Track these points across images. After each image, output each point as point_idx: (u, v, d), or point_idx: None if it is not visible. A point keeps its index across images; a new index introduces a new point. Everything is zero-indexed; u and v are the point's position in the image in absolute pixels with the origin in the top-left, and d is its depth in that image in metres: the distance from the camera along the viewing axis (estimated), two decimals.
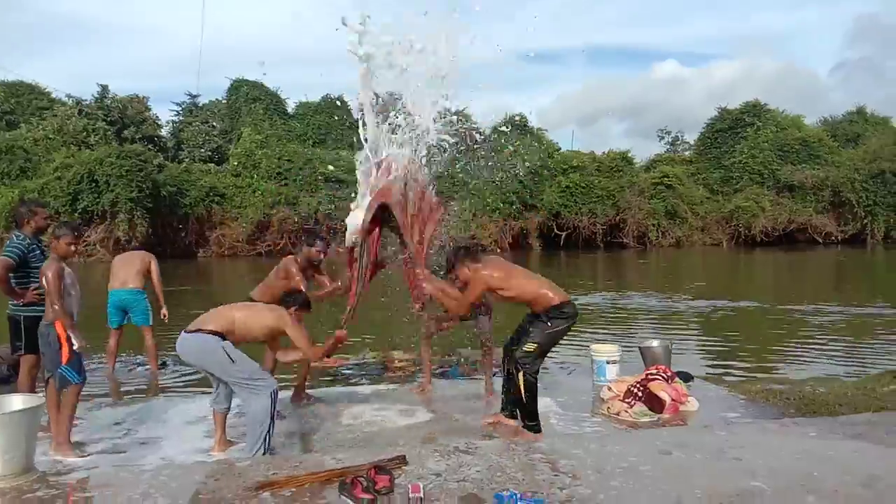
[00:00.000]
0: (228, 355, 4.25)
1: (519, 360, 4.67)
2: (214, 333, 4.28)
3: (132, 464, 4.18)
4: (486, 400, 5.72)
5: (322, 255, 5.75)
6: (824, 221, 35.55)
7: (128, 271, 7.45)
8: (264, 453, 4.21)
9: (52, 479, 3.74)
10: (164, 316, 7.47)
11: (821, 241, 35.25)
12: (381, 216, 5.23)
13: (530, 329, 4.72)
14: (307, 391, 5.88)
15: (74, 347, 4.38)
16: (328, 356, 4.84)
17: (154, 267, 7.61)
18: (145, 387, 6.90)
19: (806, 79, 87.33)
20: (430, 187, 5.58)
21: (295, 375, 5.94)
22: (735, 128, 39.01)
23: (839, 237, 35.52)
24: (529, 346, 4.64)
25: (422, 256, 5.31)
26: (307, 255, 5.68)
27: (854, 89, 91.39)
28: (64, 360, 4.37)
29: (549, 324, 4.66)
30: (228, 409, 4.54)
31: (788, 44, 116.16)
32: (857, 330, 9.88)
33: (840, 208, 35.70)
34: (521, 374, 4.63)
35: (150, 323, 7.39)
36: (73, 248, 4.66)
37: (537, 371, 4.74)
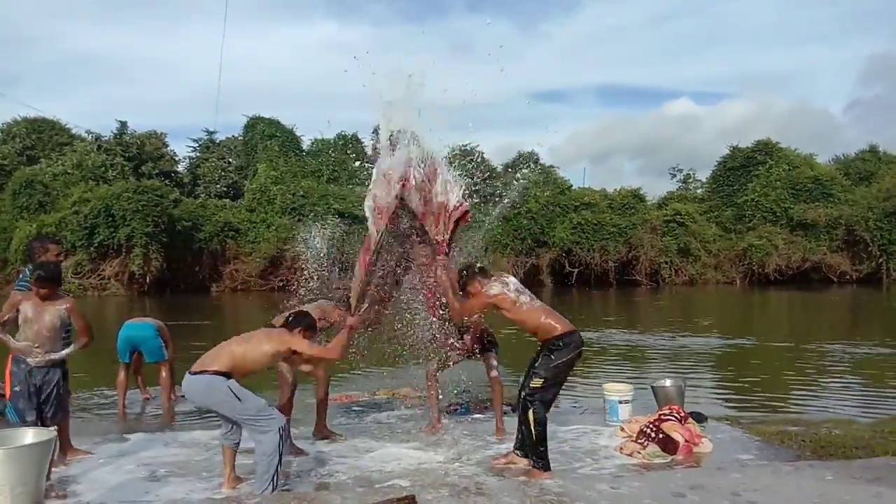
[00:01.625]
0: (235, 395, 4.24)
1: (527, 396, 4.65)
2: (218, 373, 4.29)
3: (141, 500, 4.16)
4: (498, 438, 5.67)
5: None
6: (839, 260, 35.25)
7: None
8: (273, 490, 4.18)
9: None
10: None
11: (835, 280, 34.92)
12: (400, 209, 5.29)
13: (536, 364, 4.72)
14: (327, 428, 5.85)
15: (15, 388, 4.44)
16: (345, 348, 4.77)
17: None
18: (155, 421, 6.89)
19: (819, 117, 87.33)
20: (458, 188, 5.58)
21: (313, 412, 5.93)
22: (747, 166, 39.03)
23: (854, 276, 35.17)
24: (536, 382, 4.63)
25: (444, 243, 5.31)
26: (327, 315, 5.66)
27: (867, 128, 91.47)
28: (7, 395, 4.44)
29: (553, 356, 4.64)
30: (238, 444, 4.52)
31: (801, 82, 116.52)
32: (873, 371, 9.74)
33: (854, 247, 35.41)
34: (529, 411, 4.60)
35: (165, 357, 7.40)
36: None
37: (548, 407, 4.70)
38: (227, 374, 4.27)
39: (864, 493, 3.92)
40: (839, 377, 9.26)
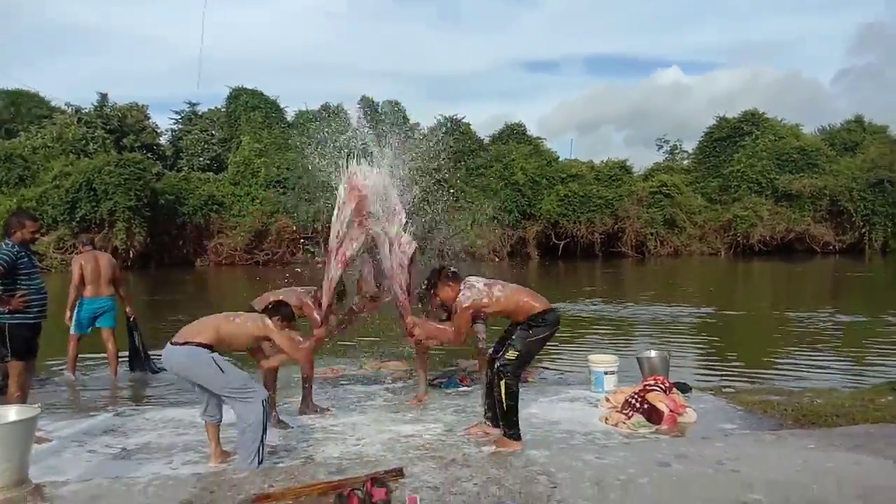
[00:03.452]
0: (219, 366, 4.22)
1: (500, 367, 4.69)
2: (202, 346, 4.26)
3: (126, 476, 4.15)
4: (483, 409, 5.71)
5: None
6: (822, 231, 35.57)
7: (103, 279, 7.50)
8: (259, 464, 4.18)
9: (45, 491, 3.72)
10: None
11: (819, 250, 35.26)
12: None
13: (512, 337, 4.76)
14: (314, 403, 5.85)
15: None
16: (312, 354, 4.81)
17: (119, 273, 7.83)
18: (135, 394, 6.88)
19: (808, 87, 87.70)
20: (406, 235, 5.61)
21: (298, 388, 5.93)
22: (733, 137, 39.11)
23: (837, 247, 35.52)
24: (511, 354, 4.67)
25: (407, 306, 5.43)
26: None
27: (856, 98, 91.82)
28: None
29: (531, 332, 4.70)
30: (220, 419, 4.51)
31: (792, 52, 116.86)
32: (854, 340, 9.87)
33: (838, 217, 35.74)
34: (502, 382, 4.65)
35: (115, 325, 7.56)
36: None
37: (518, 378, 4.75)
38: (209, 347, 4.26)
39: (844, 460, 3.98)
40: (821, 347, 9.38)
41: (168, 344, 4.36)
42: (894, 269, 26.30)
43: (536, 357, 7.84)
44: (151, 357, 7.93)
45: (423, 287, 5.47)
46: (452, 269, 5.08)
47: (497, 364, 4.74)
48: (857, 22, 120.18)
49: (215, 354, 4.26)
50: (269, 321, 4.51)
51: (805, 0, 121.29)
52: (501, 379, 4.66)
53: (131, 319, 7.88)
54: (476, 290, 4.78)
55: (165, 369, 7.56)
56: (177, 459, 4.60)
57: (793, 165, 36.71)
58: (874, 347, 9.22)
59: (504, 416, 4.68)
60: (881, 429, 4.72)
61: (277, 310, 4.75)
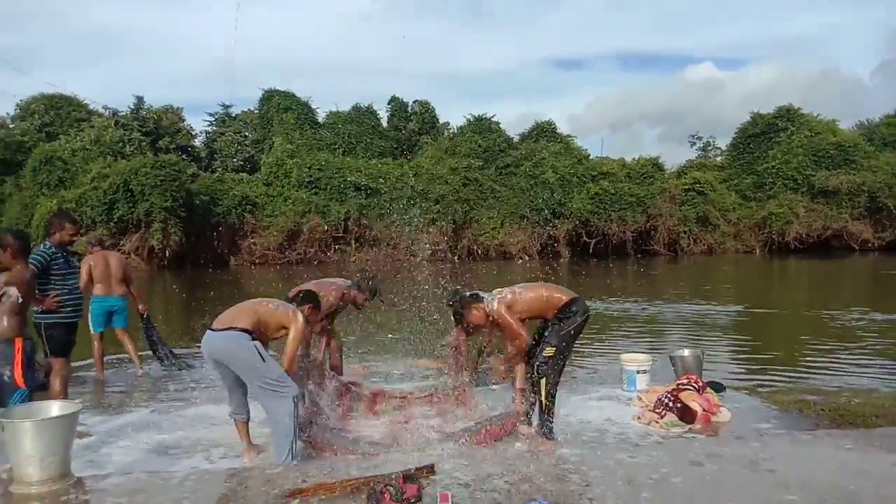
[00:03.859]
0: (260, 354, 4.28)
1: (539, 365, 4.69)
2: (244, 331, 4.31)
3: (164, 470, 4.24)
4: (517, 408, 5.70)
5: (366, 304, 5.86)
6: (861, 228, 34.74)
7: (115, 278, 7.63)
8: (293, 460, 4.24)
9: (87, 484, 3.82)
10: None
11: (857, 248, 34.46)
12: None
13: (546, 333, 4.76)
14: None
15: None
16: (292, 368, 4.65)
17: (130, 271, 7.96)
18: (169, 392, 7.00)
19: (846, 82, 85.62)
20: None
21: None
22: (768, 133, 38.39)
23: (876, 244, 34.68)
24: (548, 351, 4.67)
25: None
26: (353, 298, 5.74)
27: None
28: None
29: (562, 324, 4.72)
30: (248, 417, 4.57)
31: (828, 46, 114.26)
32: (894, 339, 9.64)
33: (877, 214, 34.87)
34: (542, 380, 4.65)
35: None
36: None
37: (560, 374, 4.74)
38: (250, 333, 4.31)
39: (883, 462, 3.91)
40: (860, 346, 9.18)
41: (208, 330, 4.42)
42: None
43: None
44: (175, 353, 8.11)
45: (454, 318, 5.47)
46: (468, 292, 5.11)
47: (536, 363, 4.75)
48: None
49: (257, 342, 4.32)
50: (299, 313, 4.55)
51: None
52: (542, 377, 4.66)
53: (144, 316, 7.98)
54: (500, 296, 4.79)
55: (186, 367, 7.80)
56: (212, 455, 4.69)
57: (829, 161, 35.91)
58: None
59: (541, 414, 4.68)
60: None
61: (308, 298, 4.82)
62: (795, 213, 34.45)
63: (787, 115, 38.50)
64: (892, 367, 7.86)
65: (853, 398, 5.80)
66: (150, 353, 8.13)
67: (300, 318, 4.51)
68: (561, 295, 4.78)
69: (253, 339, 4.31)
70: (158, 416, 5.73)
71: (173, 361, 7.95)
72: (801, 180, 35.82)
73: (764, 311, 13.24)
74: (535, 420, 4.88)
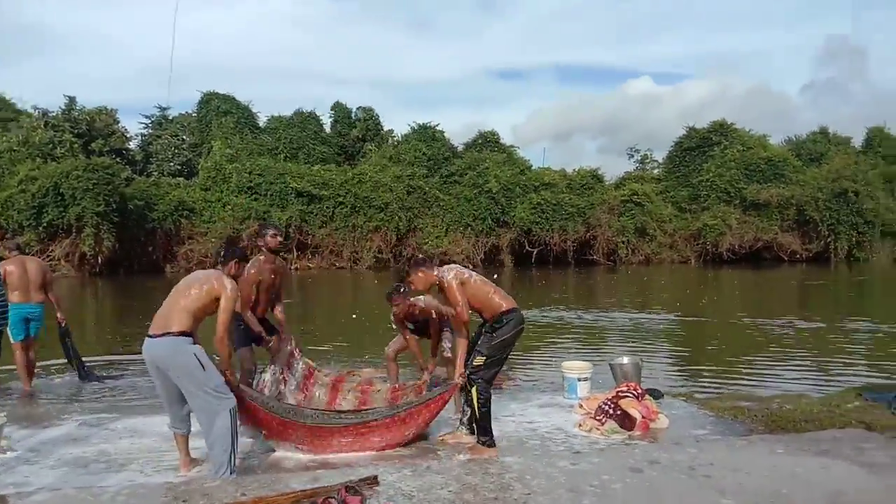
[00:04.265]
0: (200, 362, 4.14)
1: (470, 374, 4.71)
2: (183, 334, 4.17)
3: (95, 485, 4.07)
4: (458, 417, 5.70)
5: (279, 243, 5.67)
6: (790, 240, 36.24)
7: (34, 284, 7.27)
8: (231, 473, 4.13)
9: (13, 502, 3.63)
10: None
11: (786, 259, 35.93)
12: None
13: (478, 342, 4.79)
14: None
15: None
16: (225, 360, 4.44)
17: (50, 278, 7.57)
18: (98, 403, 6.73)
19: (776, 98, 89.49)
20: None
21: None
22: (702, 147, 39.73)
23: (804, 255, 36.22)
24: (478, 360, 4.70)
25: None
26: (267, 244, 5.58)
27: (822, 109, 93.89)
28: None
29: (494, 334, 4.74)
30: (189, 430, 4.42)
31: (760, 64, 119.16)
32: (822, 346, 10.06)
33: (805, 227, 36.43)
34: (473, 389, 4.67)
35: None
36: None
37: (490, 384, 4.76)
38: (189, 334, 4.18)
39: (812, 465, 4.06)
40: (790, 353, 9.53)
41: (146, 338, 4.25)
42: (858, 277, 26.88)
43: (510, 364, 7.84)
44: (86, 364, 7.84)
45: (393, 286, 5.49)
46: (424, 255, 5.10)
47: (467, 372, 4.76)
48: (823, 34, 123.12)
49: (198, 347, 4.18)
50: (224, 279, 4.34)
51: (772, 13, 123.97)
52: (472, 385, 4.68)
53: (62, 325, 7.59)
54: (456, 270, 4.81)
55: (96, 379, 7.55)
56: (147, 468, 4.52)
57: (760, 175, 37.37)
58: (840, 354, 9.41)
59: (477, 423, 4.70)
60: (847, 434, 4.83)
61: (233, 251, 4.58)
62: (728, 225, 35.71)
63: (721, 129, 39.95)
64: (820, 373, 8.20)
65: (784, 404, 6.01)
66: (65, 363, 7.82)
67: (228, 284, 4.30)
68: (502, 301, 4.82)
69: (193, 343, 4.18)
70: (87, 429, 5.50)
71: (85, 376, 7.67)
72: (733, 193, 37.16)
73: (699, 320, 13.63)
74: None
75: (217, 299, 4.27)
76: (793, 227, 36.52)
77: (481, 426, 4.68)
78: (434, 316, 6.02)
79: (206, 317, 4.33)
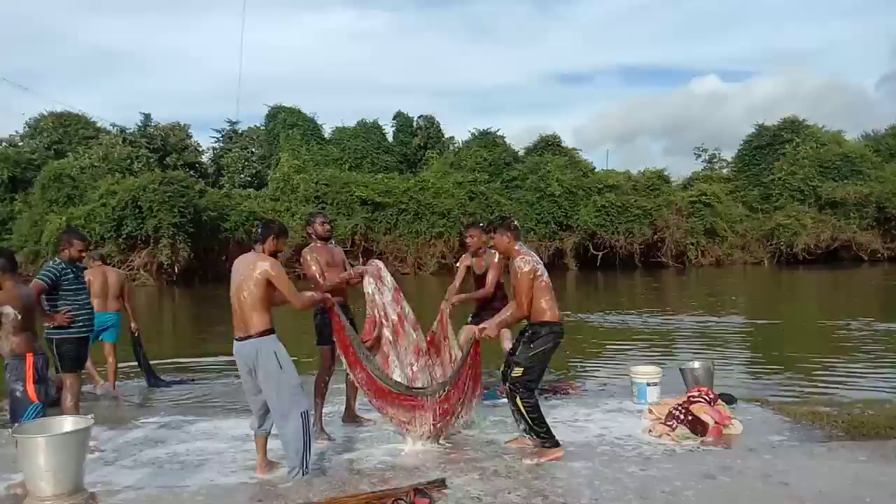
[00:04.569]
0: (279, 361, 4.28)
1: (510, 386, 4.70)
2: (263, 334, 4.30)
3: (176, 485, 4.24)
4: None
5: (327, 230, 5.70)
6: (869, 238, 34.61)
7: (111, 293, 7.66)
8: (304, 474, 4.23)
9: (100, 499, 3.83)
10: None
11: (866, 258, 34.32)
12: None
13: (515, 353, 4.77)
14: (357, 413, 5.90)
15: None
16: (314, 304, 4.80)
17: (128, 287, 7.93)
18: (174, 406, 7.00)
19: (851, 93, 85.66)
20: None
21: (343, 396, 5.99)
22: (773, 144, 38.42)
23: (885, 254, 34.54)
24: (517, 371, 4.70)
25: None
26: (315, 232, 5.64)
27: None
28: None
29: (532, 345, 4.72)
30: (269, 431, 4.56)
31: (833, 57, 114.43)
32: None
33: (886, 224, 34.75)
34: (517, 400, 4.64)
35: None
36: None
37: (532, 392, 4.74)
38: (268, 331, 4.31)
39: None
40: (872, 357, 9.12)
41: (235, 341, 4.40)
42: None
43: (576, 369, 7.77)
44: (155, 371, 8.16)
45: (478, 225, 5.46)
46: (516, 222, 5.14)
47: (508, 385, 4.76)
48: None
49: (279, 346, 4.32)
50: (268, 265, 4.36)
51: (842, 4, 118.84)
52: (515, 396, 4.67)
53: (136, 335, 7.99)
54: (534, 259, 4.81)
55: (165, 385, 7.86)
56: (224, 469, 4.68)
57: (836, 172, 35.86)
58: None
59: (532, 429, 4.66)
60: None
61: (269, 227, 4.57)
62: (803, 225, 34.35)
63: (792, 126, 38.55)
64: None
65: (866, 409, 5.75)
66: (137, 369, 8.20)
67: (267, 266, 4.34)
68: (547, 309, 4.77)
69: (274, 338, 4.32)
70: (167, 431, 5.73)
71: (154, 383, 8.01)
72: (807, 191, 35.77)
73: (773, 323, 13.18)
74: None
75: (269, 284, 4.34)
76: (872, 224, 34.86)
77: (537, 431, 4.65)
78: (490, 279, 6.24)
79: (273, 304, 4.41)
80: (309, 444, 4.30)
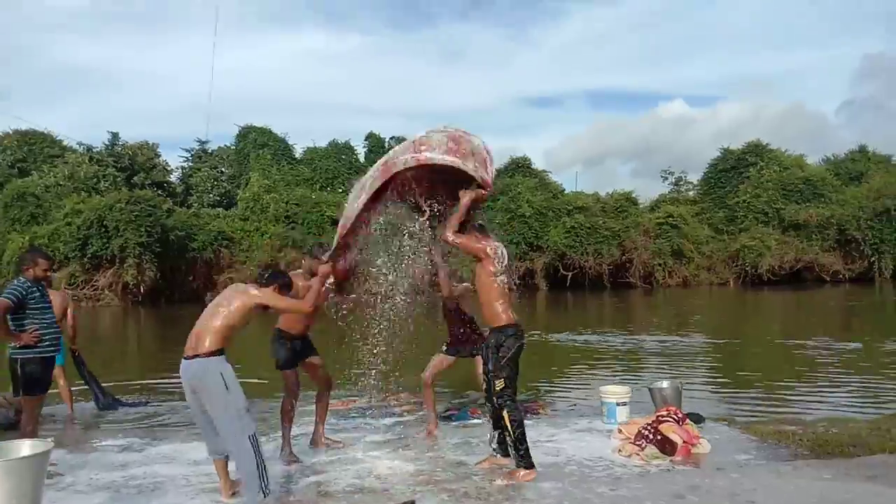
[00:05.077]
0: (225, 383, 4.15)
1: (497, 400, 4.71)
2: (212, 354, 4.19)
3: None
4: (489, 444, 5.66)
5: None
6: (831, 260, 35.45)
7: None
8: (265, 496, 4.12)
9: None
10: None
11: (828, 279, 35.10)
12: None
13: (489, 368, 4.80)
14: (326, 436, 5.82)
15: None
16: (318, 297, 4.64)
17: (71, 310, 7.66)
18: (137, 428, 6.84)
19: (812, 118, 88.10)
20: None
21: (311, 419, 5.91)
22: (738, 167, 39.32)
23: (846, 275, 35.37)
24: (499, 384, 4.71)
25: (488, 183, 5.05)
26: (311, 268, 5.53)
27: (860, 128, 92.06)
28: None
29: (500, 352, 4.76)
30: (228, 456, 4.42)
31: (795, 84, 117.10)
32: (869, 368, 9.77)
33: (847, 247, 35.63)
34: (505, 412, 4.65)
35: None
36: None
37: (515, 401, 4.76)
38: (218, 352, 4.20)
39: (862, 492, 3.94)
40: (836, 375, 9.29)
41: (183, 360, 4.29)
42: None
43: (547, 389, 7.79)
44: (105, 391, 7.93)
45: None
46: (482, 223, 5.16)
47: (494, 399, 4.76)
48: (860, 52, 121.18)
49: (226, 367, 4.20)
50: (257, 289, 4.38)
51: (805, 33, 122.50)
52: (503, 409, 4.67)
53: (76, 355, 7.77)
54: (493, 248, 4.88)
55: (112, 408, 7.68)
56: (185, 493, 4.57)
57: (799, 195, 36.76)
58: (887, 376, 9.12)
59: (514, 445, 4.66)
60: None
61: (275, 277, 4.58)
62: (767, 246, 35.08)
63: (756, 150, 39.50)
64: (868, 396, 7.96)
65: (830, 428, 5.84)
66: (85, 388, 7.99)
67: (258, 290, 4.36)
68: (503, 314, 4.82)
69: (223, 364, 4.20)
70: (126, 455, 5.59)
71: (104, 403, 7.80)
72: (771, 214, 36.60)
73: (739, 343, 13.36)
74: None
75: (249, 312, 4.31)
76: (834, 246, 35.74)
77: (518, 448, 4.64)
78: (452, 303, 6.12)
79: (236, 334, 4.35)
80: (263, 466, 4.19)
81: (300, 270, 5.65)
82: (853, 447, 5.16)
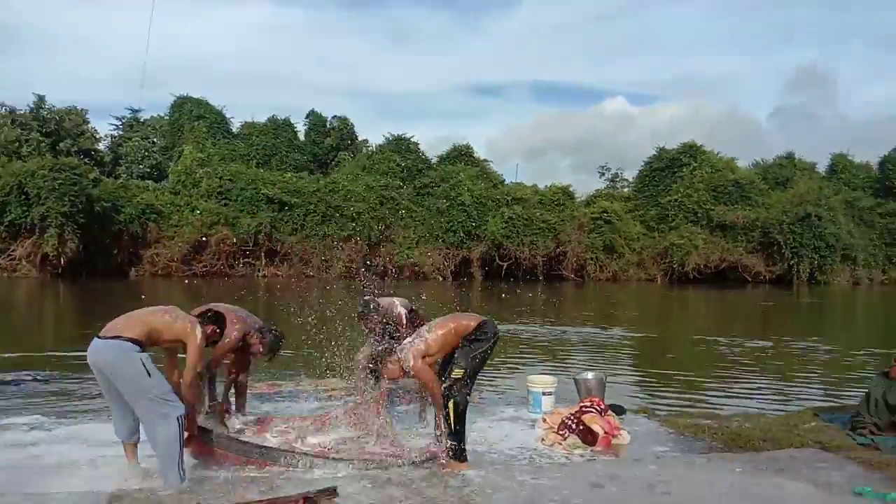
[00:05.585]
0: (146, 369, 4.01)
1: (448, 387, 4.68)
2: (133, 341, 4.04)
3: (43, 492, 3.94)
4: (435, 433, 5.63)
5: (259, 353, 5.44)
6: (754, 261, 36.96)
7: None
8: (182, 480, 4.01)
9: None
10: None
11: (750, 279, 36.59)
12: None
13: (455, 355, 4.77)
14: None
15: None
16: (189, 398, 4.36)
17: None
18: (41, 407, 6.52)
19: (746, 123, 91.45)
20: None
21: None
22: (672, 167, 40.47)
23: (767, 277, 36.94)
24: (457, 373, 4.68)
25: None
26: (252, 343, 5.24)
27: (790, 135, 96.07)
28: None
29: (472, 346, 4.75)
30: (138, 438, 4.28)
31: (732, 88, 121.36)
32: (780, 366, 10.22)
33: (769, 249, 37.20)
34: (450, 402, 4.63)
35: None
36: None
37: (466, 396, 4.74)
38: (139, 344, 4.06)
39: (769, 484, 4.11)
40: (750, 372, 9.66)
41: (95, 338, 4.11)
42: (820, 299, 27.44)
43: (479, 377, 7.80)
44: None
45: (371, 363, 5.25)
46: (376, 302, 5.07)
47: (445, 384, 4.73)
48: (793, 62, 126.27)
49: (144, 355, 4.06)
50: (198, 329, 4.30)
51: (743, 39, 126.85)
52: (449, 398, 4.64)
53: None
54: (410, 347, 4.76)
55: (16, 383, 7.34)
56: (93, 475, 4.37)
57: (728, 197, 38.13)
58: (798, 374, 9.56)
59: (451, 436, 4.64)
60: (803, 453, 4.90)
61: (217, 320, 4.62)
62: (695, 245, 36.33)
63: (690, 151, 40.73)
64: (779, 393, 8.32)
65: (744, 422, 6.07)
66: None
67: (199, 332, 4.26)
68: (469, 321, 4.82)
69: (142, 351, 4.05)
70: (35, 434, 5.33)
71: None
72: (701, 214, 37.85)
73: (662, 337, 13.77)
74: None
75: (178, 340, 4.24)
76: (757, 248, 37.28)
77: (455, 438, 4.62)
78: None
79: (157, 344, 4.23)
80: (182, 449, 4.07)
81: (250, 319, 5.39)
82: (764, 441, 5.38)
